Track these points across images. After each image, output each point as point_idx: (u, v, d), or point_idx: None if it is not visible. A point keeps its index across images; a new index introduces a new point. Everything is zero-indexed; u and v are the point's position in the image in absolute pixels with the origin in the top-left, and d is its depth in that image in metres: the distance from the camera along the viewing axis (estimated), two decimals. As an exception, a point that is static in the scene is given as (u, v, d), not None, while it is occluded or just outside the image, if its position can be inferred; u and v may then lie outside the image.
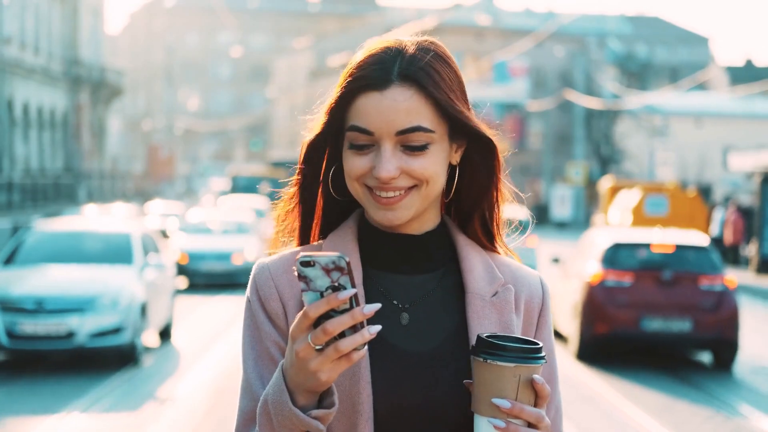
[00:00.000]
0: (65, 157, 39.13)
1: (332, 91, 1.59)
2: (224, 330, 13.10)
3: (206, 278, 18.07)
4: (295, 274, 1.39)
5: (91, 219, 14.67)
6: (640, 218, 18.78)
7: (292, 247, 1.66)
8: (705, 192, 41.62)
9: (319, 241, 1.64)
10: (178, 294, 16.56)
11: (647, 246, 11.20)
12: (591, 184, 41.02)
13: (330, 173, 1.62)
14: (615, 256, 11.10)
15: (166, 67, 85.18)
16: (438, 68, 1.54)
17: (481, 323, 1.56)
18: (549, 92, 49.49)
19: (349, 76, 1.55)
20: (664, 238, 11.50)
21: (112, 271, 10.98)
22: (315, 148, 1.62)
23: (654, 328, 10.66)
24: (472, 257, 1.62)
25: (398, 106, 1.51)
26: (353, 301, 1.37)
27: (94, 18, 43.97)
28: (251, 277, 1.61)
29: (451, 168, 1.60)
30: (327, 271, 1.35)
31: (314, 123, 1.62)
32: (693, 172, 47.60)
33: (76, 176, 36.78)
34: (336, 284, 1.36)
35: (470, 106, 1.60)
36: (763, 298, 18.65)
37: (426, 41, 1.58)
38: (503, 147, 1.64)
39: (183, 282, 18.12)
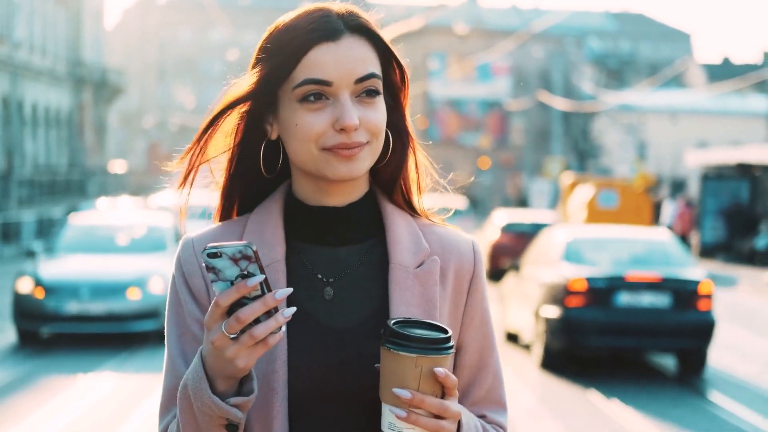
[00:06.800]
0: (69, 154, 41.22)
1: (261, 62, 1.52)
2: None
3: (74, 326, 11.38)
4: (203, 265, 1.37)
5: None
6: (594, 211, 21.02)
7: (216, 223, 1.62)
8: (679, 186, 43.89)
9: (242, 216, 1.60)
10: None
11: (531, 225, 19.80)
12: (568, 178, 43.14)
13: (262, 148, 1.56)
14: (508, 229, 20.30)
15: (159, 63, 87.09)
16: (373, 23, 1.53)
17: (403, 295, 1.53)
18: (530, 90, 51.42)
19: (290, 36, 1.50)
20: (541, 218, 20.92)
21: None
22: (257, 121, 1.55)
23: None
24: (398, 227, 1.58)
25: (355, 54, 1.48)
26: (264, 287, 1.35)
27: (95, 21, 46.12)
28: (176, 252, 1.58)
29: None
30: (235, 260, 1.33)
31: (246, 92, 1.54)
32: (668, 167, 49.58)
33: (85, 172, 38.98)
34: (245, 272, 1.34)
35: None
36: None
37: (348, 5, 1.54)
38: (414, 117, 1.64)
39: (44, 334, 11.62)
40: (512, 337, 12.39)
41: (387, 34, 1.56)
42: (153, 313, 11.53)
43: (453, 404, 1.42)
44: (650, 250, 10.99)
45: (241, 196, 1.62)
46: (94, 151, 44.75)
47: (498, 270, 17.69)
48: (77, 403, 8.66)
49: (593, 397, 9.33)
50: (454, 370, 1.58)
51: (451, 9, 58.36)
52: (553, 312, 10.15)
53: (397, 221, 1.59)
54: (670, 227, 25.83)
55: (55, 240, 13.04)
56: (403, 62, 1.57)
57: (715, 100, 53.17)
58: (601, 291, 9.98)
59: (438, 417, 1.41)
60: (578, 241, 11.00)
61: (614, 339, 10.11)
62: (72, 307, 11.35)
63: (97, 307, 11.39)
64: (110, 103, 48.18)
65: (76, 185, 36.56)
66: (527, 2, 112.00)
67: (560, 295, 10.07)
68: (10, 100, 32.58)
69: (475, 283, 1.61)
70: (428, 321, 1.45)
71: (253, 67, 1.55)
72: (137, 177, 50.36)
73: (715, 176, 26.19)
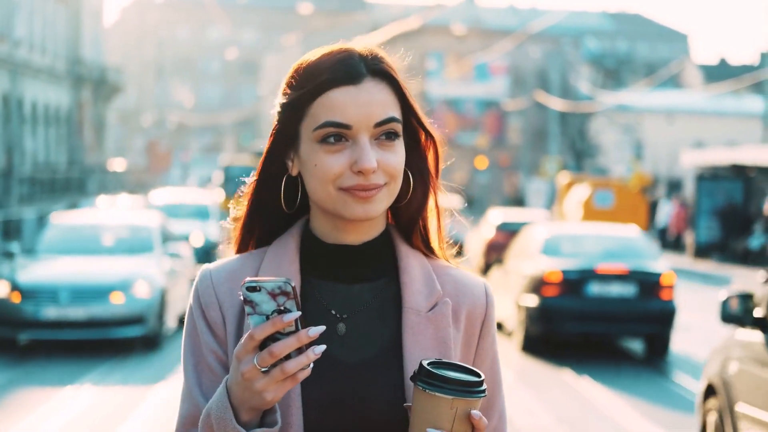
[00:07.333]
0: (68, 152, 41.40)
1: (285, 101, 1.57)
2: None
3: (53, 332, 10.74)
4: (241, 298, 1.39)
5: None
6: (590, 211, 21.23)
7: (236, 254, 1.65)
8: (675, 186, 44.08)
9: (260, 250, 1.63)
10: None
11: (525, 224, 18.57)
12: (565, 178, 43.26)
13: (282, 182, 1.60)
14: (503, 227, 19.94)
15: (157, 61, 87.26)
16: (395, 68, 1.57)
17: (416, 339, 1.56)
18: (528, 90, 51.59)
19: (312, 75, 1.53)
20: (534, 218, 20.95)
21: None
22: (278, 157, 1.59)
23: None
24: (412, 269, 1.61)
25: (375, 98, 1.51)
26: (298, 323, 1.38)
27: (94, 19, 46.31)
28: (194, 283, 1.61)
29: None
30: (273, 295, 1.37)
31: (273, 138, 1.59)
32: (664, 167, 49.74)
33: (84, 170, 39.18)
34: (282, 308, 1.38)
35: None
36: (690, 277, 21.25)
37: (373, 48, 1.58)
38: (443, 150, 1.64)
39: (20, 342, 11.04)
40: (497, 326, 13.27)
41: (409, 84, 1.59)
42: (138, 319, 10.83)
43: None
44: (620, 244, 12.12)
45: (260, 228, 1.64)
46: (93, 148, 44.93)
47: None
48: (57, 418, 8.06)
49: (566, 375, 10.36)
50: None
51: (448, 9, 58.49)
52: (532, 301, 11.21)
53: (411, 263, 1.62)
54: (665, 227, 26.12)
55: (35, 241, 12.20)
56: (424, 119, 1.61)
57: (712, 100, 53.23)
58: (574, 282, 11.18)
59: None
60: (555, 236, 12.19)
61: (586, 325, 11.31)
62: (50, 312, 10.59)
63: (78, 312, 10.64)
64: (109, 101, 48.37)
65: (75, 183, 36.75)
66: (525, 2, 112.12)
67: (538, 285, 11.22)
68: (10, 97, 32.77)
69: (487, 326, 1.65)
70: (458, 363, 1.49)
71: (279, 110, 1.59)
72: (136, 175, 50.58)
73: (710, 176, 26.41)
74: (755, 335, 5.75)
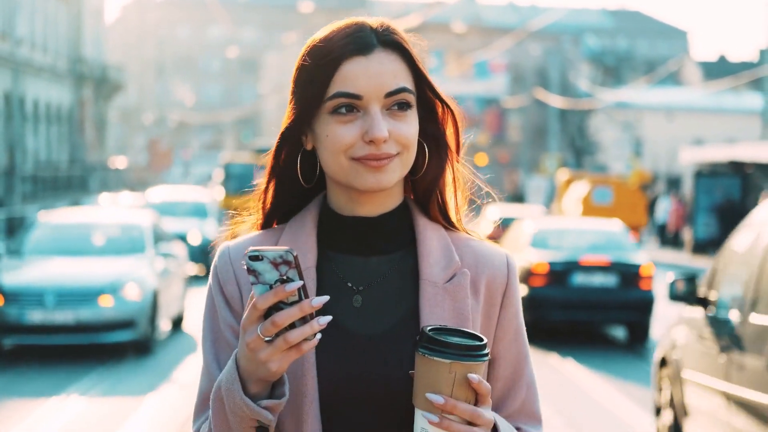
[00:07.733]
0: (70, 150, 41.52)
1: (299, 82, 1.56)
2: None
3: (38, 337, 10.24)
4: (244, 268, 1.40)
5: None
6: (589, 207, 21.37)
7: (255, 231, 1.65)
8: (674, 183, 44.21)
9: (280, 226, 1.64)
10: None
11: (512, 219, 18.61)
12: (564, 175, 43.31)
13: (298, 158, 1.60)
14: (501, 223, 19.75)
15: (158, 60, 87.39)
16: (407, 40, 1.56)
17: (433, 311, 1.54)
18: (527, 87, 51.68)
19: (324, 50, 1.52)
20: (531, 214, 20.77)
21: None
22: (293, 132, 1.59)
23: None
24: (430, 240, 1.59)
25: (385, 69, 1.51)
26: (302, 293, 1.37)
27: (95, 18, 46.46)
28: (213, 260, 1.62)
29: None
30: (275, 265, 1.37)
31: (290, 118, 1.58)
32: (664, 165, 49.86)
33: (86, 168, 39.32)
34: (284, 277, 1.37)
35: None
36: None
37: (384, 20, 1.57)
38: (463, 124, 1.63)
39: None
40: None
41: (420, 52, 1.58)
42: (128, 323, 10.29)
43: (486, 411, 1.43)
44: (603, 238, 12.83)
45: (281, 207, 1.64)
46: (94, 147, 45.07)
47: None
48: (43, 431, 7.60)
49: (552, 359, 11.02)
50: (488, 382, 1.54)
51: (449, 6, 58.52)
52: (521, 291, 11.35)
53: (428, 235, 1.60)
54: (664, 223, 26.29)
55: (22, 240, 11.66)
56: (439, 90, 1.60)
57: (711, 97, 53.17)
58: (560, 273, 11.89)
59: (470, 423, 1.42)
60: (543, 231, 12.93)
61: (571, 313, 12.02)
62: (36, 316, 10.04)
63: (65, 316, 10.07)
64: (110, 99, 48.51)
65: (77, 181, 36.91)
66: (524, 0, 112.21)
67: (526, 276, 11.82)
68: (12, 96, 32.87)
69: (509, 296, 1.63)
70: (463, 329, 1.47)
71: (293, 86, 1.59)
72: (137, 173, 50.75)
73: (708, 173, 26.58)
74: (697, 312, 6.42)
